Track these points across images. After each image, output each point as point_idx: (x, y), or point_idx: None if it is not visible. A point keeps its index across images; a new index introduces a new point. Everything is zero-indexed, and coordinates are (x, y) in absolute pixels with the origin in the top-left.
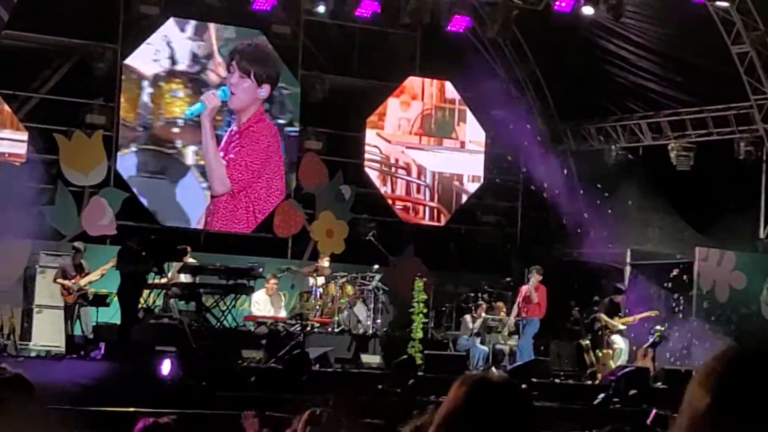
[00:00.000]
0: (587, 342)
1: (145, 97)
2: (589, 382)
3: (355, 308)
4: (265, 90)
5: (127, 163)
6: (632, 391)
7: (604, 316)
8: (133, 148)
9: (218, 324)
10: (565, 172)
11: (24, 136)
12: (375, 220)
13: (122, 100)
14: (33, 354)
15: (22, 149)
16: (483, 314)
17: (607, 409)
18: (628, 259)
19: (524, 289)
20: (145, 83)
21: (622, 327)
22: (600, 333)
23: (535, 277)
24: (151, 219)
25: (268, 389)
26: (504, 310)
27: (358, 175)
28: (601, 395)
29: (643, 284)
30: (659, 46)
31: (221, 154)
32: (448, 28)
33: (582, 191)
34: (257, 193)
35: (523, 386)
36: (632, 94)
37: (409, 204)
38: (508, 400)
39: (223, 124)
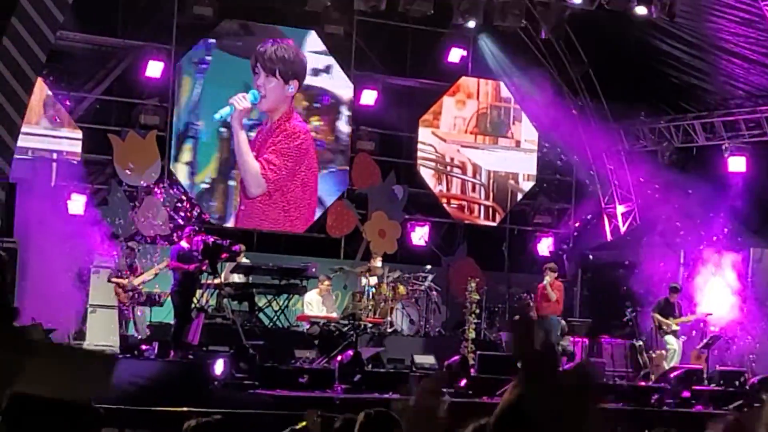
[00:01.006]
0: (641, 343)
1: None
2: (643, 383)
3: (408, 308)
4: (293, 86)
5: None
6: (686, 393)
7: (658, 316)
8: None
9: (271, 324)
10: (619, 172)
11: (80, 135)
12: (428, 220)
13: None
14: None
15: (78, 148)
16: (534, 314)
17: (661, 410)
18: (682, 260)
19: (540, 287)
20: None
21: (676, 327)
22: (655, 332)
23: (549, 275)
24: (205, 219)
25: (321, 389)
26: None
27: (411, 175)
28: (655, 396)
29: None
30: (712, 46)
31: (254, 155)
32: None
33: (635, 192)
34: (293, 193)
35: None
36: (686, 94)
37: (464, 203)
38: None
39: (254, 124)
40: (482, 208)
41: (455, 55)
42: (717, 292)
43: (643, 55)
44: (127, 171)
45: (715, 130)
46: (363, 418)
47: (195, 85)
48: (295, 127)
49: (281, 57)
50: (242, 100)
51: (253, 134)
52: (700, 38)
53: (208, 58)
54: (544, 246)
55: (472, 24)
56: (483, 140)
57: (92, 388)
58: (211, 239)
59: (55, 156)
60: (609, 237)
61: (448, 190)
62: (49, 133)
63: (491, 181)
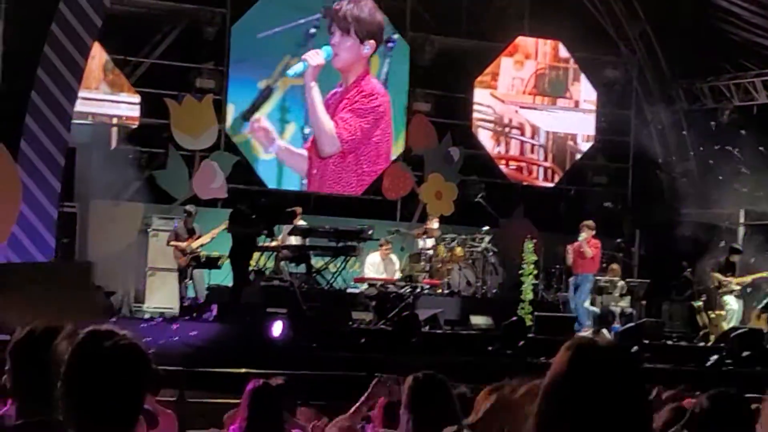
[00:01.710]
0: (700, 303)
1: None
2: (702, 344)
3: (465, 270)
4: (369, 46)
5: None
6: (745, 353)
7: (718, 275)
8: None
9: (328, 286)
10: (678, 131)
11: (138, 99)
12: (484, 181)
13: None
14: (147, 316)
15: (137, 112)
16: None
17: (720, 371)
18: (742, 219)
19: (576, 245)
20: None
21: (736, 287)
22: (715, 292)
23: (586, 232)
24: (261, 182)
25: (378, 351)
26: (618, 272)
27: (467, 136)
28: (714, 357)
29: (757, 245)
30: None
31: (329, 114)
32: None
33: (694, 152)
34: (367, 155)
35: (634, 349)
36: (746, 52)
37: (523, 164)
38: (615, 365)
39: (331, 84)
40: (541, 169)
41: (511, 14)
42: None
43: (701, 12)
44: (184, 135)
45: None
46: (413, 382)
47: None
48: (372, 88)
49: (356, 16)
50: (315, 56)
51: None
52: None
53: None
54: (603, 207)
55: None
56: (542, 101)
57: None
58: (268, 202)
59: (114, 120)
60: (667, 196)
61: (506, 151)
62: (108, 98)
63: (550, 142)
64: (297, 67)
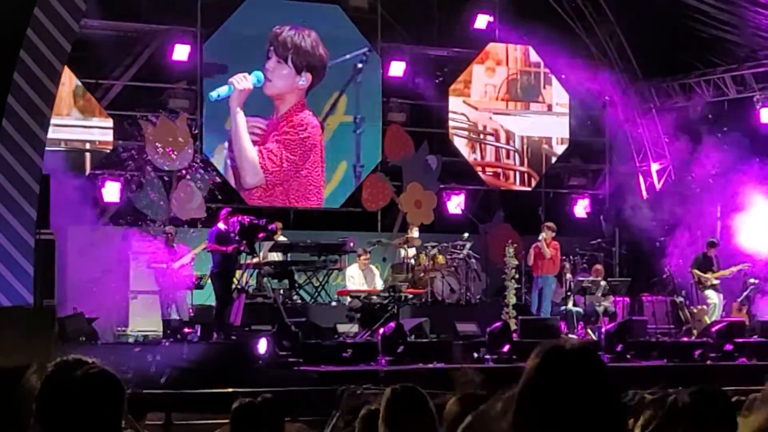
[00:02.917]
0: (681, 299)
1: None
2: (685, 339)
3: (448, 278)
4: (305, 79)
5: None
6: (728, 346)
7: (697, 271)
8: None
9: (312, 300)
10: (651, 130)
11: (110, 123)
12: (463, 188)
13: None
14: (131, 340)
15: (110, 137)
16: (569, 276)
17: (704, 365)
18: (719, 214)
19: (535, 245)
20: None
21: (715, 281)
22: (695, 287)
23: (546, 233)
24: (240, 199)
25: (365, 362)
26: (602, 272)
27: (444, 144)
28: (698, 351)
29: (735, 237)
30: None
31: (254, 142)
32: None
33: (668, 148)
34: (296, 189)
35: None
36: (715, 48)
37: (499, 170)
38: (581, 368)
39: (259, 111)
40: (517, 174)
41: (482, 21)
42: (755, 241)
43: (669, 11)
44: (160, 156)
45: (745, 82)
46: (390, 395)
47: None
48: (302, 119)
49: (297, 44)
50: (243, 80)
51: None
52: None
53: None
54: (581, 208)
55: None
56: (515, 106)
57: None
58: (248, 219)
59: (88, 146)
60: (645, 195)
61: (482, 158)
62: (80, 124)
63: (525, 147)
64: (222, 90)
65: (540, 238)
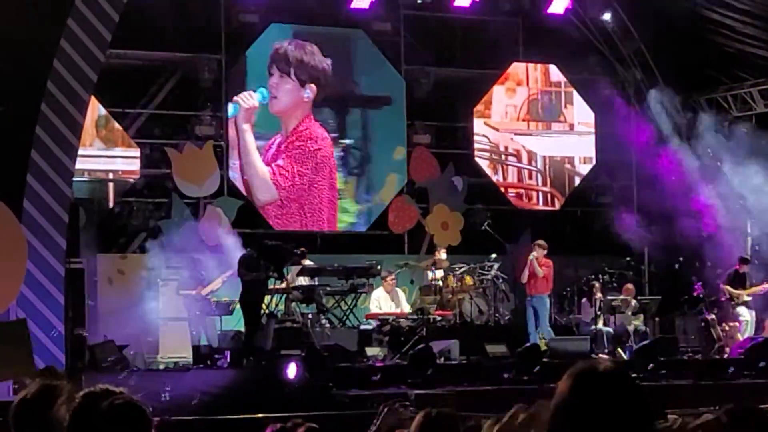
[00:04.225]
0: (713, 316)
1: None
2: (718, 357)
3: (476, 299)
4: (310, 91)
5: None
6: (762, 363)
7: (729, 288)
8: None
9: (341, 324)
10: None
11: (136, 152)
12: (489, 209)
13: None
14: (161, 366)
15: (134, 166)
16: (599, 295)
17: (738, 383)
18: (749, 229)
19: (527, 265)
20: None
21: (747, 298)
22: (727, 305)
23: (537, 251)
24: (267, 225)
25: (395, 386)
26: (632, 291)
27: (469, 165)
28: (731, 369)
29: (766, 254)
30: (764, 12)
31: (264, 160)
32: (547, 11)
33: (697, 164)
34: (310, 203)
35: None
36: (741, 63)
37: (522, 191)
38: (615, 389)
39: (267, 129)
40: (540, 194)
41: (505, 41)
42: None
43: (694, 26)
44: (187, 183)
45: None
46: (422, 418)
47: None
48: (312, 132)
49: (298, 58)
50: (248, 98)
51: (262, 142)
52: (751, 4)
53: None
54: (609, 226)
55: (518, 9)
56: (536, 126)
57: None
58: (276, 244)
59: (111, 176)
60: (674, 212)
61: (504, 179)
62: (102, 154)
63: (547, 167)
64: (227, 110)
65: (531, 257)
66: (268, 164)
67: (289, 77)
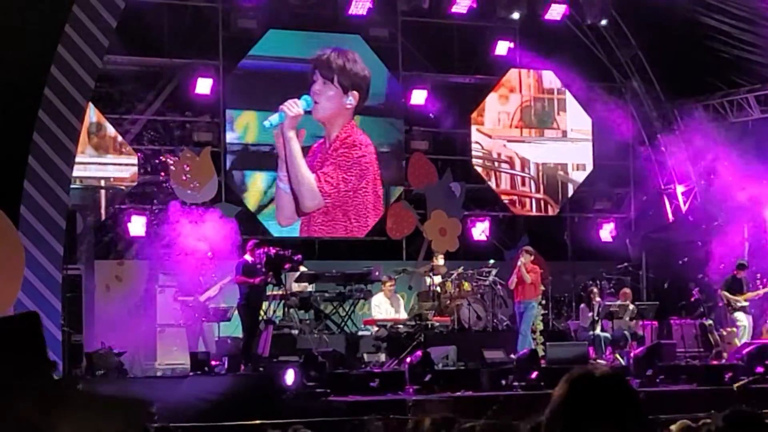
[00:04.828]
0: (710, 321)
1: None
2: (715, 362)
3: (474, 305)
4: (353, 98)
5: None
6: (759, 368)
7: (726, 293)
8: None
9: (338, 330)
10: (675, 152)
11: (128, 159)
12: (487, 215)
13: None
14: (159, 373)
15: (126, 173)
16: (597, 300)
17: (736, 388)
18: (747, 235)
19: (515, 270)
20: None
21: (745, 303)
22: (724, 309)
23: (524, 257)
24: (265, 231)
25: (392, 392)
26: (630, 296)
27: (467, 171)
28: (729, 374)
29: (764, 259)
30: (761, 18)
31: (310, 168)
32: (545, 17)
33: (693, 170)
34: (355, 210)
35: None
36: (737, 69)
37: (515, 197)
38: (610, 394)
39: (311, 136)
40: (534, 201)
41: (502, 47)
42: None
43: (691, 32)
44: (185, 189)
45: None
46: (429, 424)
47: None
48: (355, 139)
49: (341, 66)
50: (294, 106)
51: (307, 144)
52: (747, 10)
53: None
54: (606, 232)
55: (516, 15)
56: (529, 133)
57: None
58: (273, 251)
59: (102, 183)
60: (671, 218)
61: (497, 186)
62: (94, 161)
63: (540, 174)
64: (273, 118)
65: (519, 263)
66: (313, 171)
67: (332, 84)
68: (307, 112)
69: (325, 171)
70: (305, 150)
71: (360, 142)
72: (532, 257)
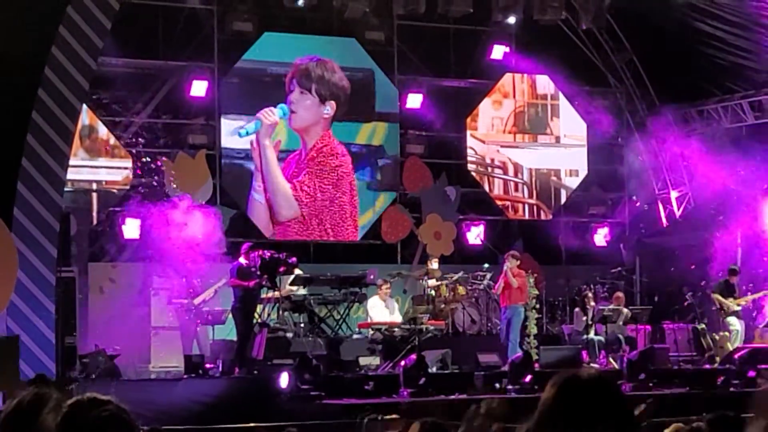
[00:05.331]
0: (703, 326)
1: None
2: (708, 366)
3: (469, 308)
4: (330, 107)
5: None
6: (751, 372)
7: (719, 297)
8: None
9: (333, 333)
10: (669, 157)
11: (121, 162)
12: (482, 219)
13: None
14: (153, 376)
15: (119, 176)
16: (591, 304)
17: (728, 392)
18: (740, 240)
19: (502, 275)
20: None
21: (737, 308)
22: (717, 314)
23: (510, 262)
24: (260, 234)
25: (387, 395)
26: (623, 300)
27: (462, 175)
28: (721, 378)
29: (756, 264)
30: (755, 24)
31: (286, 178)
32: (540, 22)
33: (687, 176)
34: (331, 218)
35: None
36: (732, 74)
37: (507, 203)
38: (597, 397)
39: (287, 146)
40: (526, 206)
41: (498, 51)
42: None
43: (685, 38)
44: (180, 192)
45: (763, 108)
46: (419, 429)
47: None
48: (332, 148)
49: (319, 75)
50: (270, 114)
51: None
52: (742, 17)
53: None
54: (600, 236)
55: (512, 20)
56: (522, 139)
57: None
58: (268, 254)
59: (94, 186)
60: (665, 223)
61: (491, 191)
62: (86, 164)
63: (534, 179)
64: (249, 126)
65: (505, 268)
66: (289, 180)
67: (309, 93)
68: (283, 120)
69: (301, 180)
70: (280, 160)
71: (336, 151)
72: (519, 262)
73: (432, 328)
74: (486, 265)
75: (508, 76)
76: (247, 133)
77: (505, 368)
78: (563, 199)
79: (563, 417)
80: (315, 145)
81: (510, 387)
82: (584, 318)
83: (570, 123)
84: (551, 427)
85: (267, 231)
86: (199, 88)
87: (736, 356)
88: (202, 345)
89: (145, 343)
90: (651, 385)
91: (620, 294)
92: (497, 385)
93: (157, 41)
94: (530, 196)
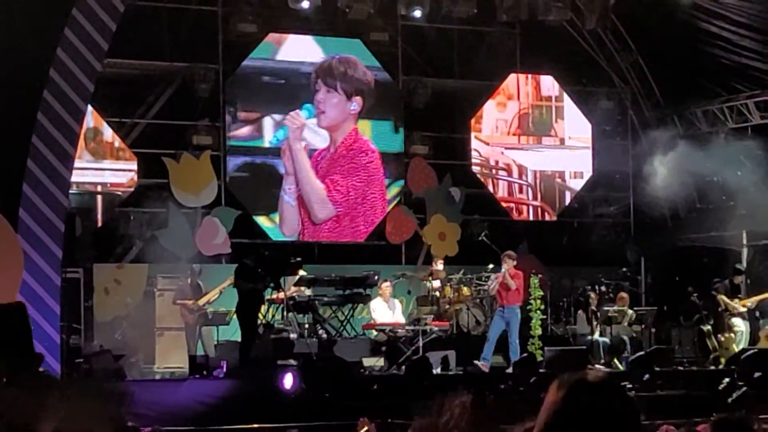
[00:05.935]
0: (708, 327)
1: None
2: (713, 368)
3: (473, 309)
4: (356, 103)
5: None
6: (757, 374)
7: (724, 298)
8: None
9: (337, 334)
10: (675, 157)
11: (126, 164)
12: (487, 219)
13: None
14: (157, 376)
15: (123, 178)
16: (593, 308)
17: (733, 394)
18: (745, 241)
19: (499, 276)
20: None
21: (742, 309)
22: (722, 315)
23: (508, 263)
24: (264, 235)
25: (391, 396)
26: (627, 300)
27: (467, 176)
28: (726, 380)
29: (762, 265)
30: (761, 24)
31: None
32: (545, 23)
33: (693, 175)
34: (363, 215)
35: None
36: (737, 74)
37: (512, 205)
38: (606, 400)
39: (316, 149)
40: (531, 208)
41: (503, 52)
42: None
43: (691, 38)
44: (184, 193)
45: None
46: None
47: None
48: (362, 145)
49: (343, 72)
50: (296, 118)
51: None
52: (748, 17)
53: None
54: (605, 237)
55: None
56: (527, 140)
57: (107, 420)
58: (273, 254)
59: (99, 188)
60: (670, 223)
61: (495, 193)
62: (91, 166)
63: (538, 181)
64: (278, 132)
65: (503, 269)
66: (321, 180)
67: (335, 91)
68: (310, 121)
69: (333, 179)
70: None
71: (366, 148)
72: (515, 262)
73: (436, 329)
74: (490, 266)
75: (512, 78)
76: (278, 140)
77: (509, 370)
78: (567, 201)
79: (573, 420)
80: (344, 142)
81: (515, 388)
82: (589, 319)
83: (575, 124)
84: (560, 430)
85: (294, 231)
86: (203, 90)
87: (741, 358)
88: (207, 346)
89: (150, 344)
90: (655, 386)
91: (625, 295)
92: (502, 386)
93: (162, 43)
94: (534, 198)
